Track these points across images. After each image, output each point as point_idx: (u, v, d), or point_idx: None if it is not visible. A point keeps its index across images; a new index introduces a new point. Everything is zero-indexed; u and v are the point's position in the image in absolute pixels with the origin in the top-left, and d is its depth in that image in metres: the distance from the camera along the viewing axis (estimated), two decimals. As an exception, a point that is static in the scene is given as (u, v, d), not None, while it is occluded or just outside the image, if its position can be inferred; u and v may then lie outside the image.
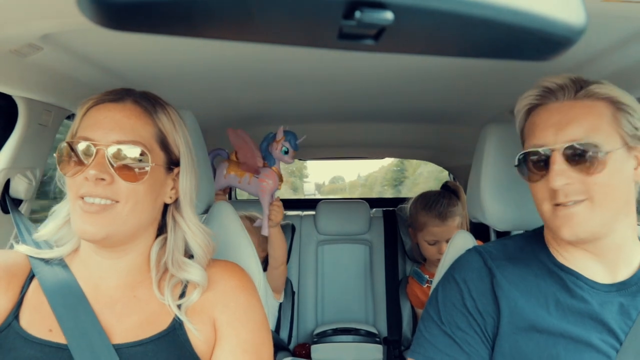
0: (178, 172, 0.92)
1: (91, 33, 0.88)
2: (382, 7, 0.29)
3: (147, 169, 0.84)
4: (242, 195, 4.21)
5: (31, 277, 0.88)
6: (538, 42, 0.33)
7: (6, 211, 1.15)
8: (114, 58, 1.08)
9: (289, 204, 3.22)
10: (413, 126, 2.02)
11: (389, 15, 0.29)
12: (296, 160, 2.43)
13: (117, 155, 0.82)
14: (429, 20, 0.30)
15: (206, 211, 1.19)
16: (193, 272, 0.90)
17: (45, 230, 0.92)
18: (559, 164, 0.82)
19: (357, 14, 0.29)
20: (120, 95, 0.87)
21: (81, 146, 0.82)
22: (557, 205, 0.84)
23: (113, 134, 0.82)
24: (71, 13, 0.74)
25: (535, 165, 0.87)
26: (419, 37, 0.34)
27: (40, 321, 0.83)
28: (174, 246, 0.92)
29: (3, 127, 1.13)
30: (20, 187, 1.17)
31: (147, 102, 0.89)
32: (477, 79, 1.30)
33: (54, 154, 0.86)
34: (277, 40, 0.35)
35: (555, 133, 0.84)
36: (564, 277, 0.91)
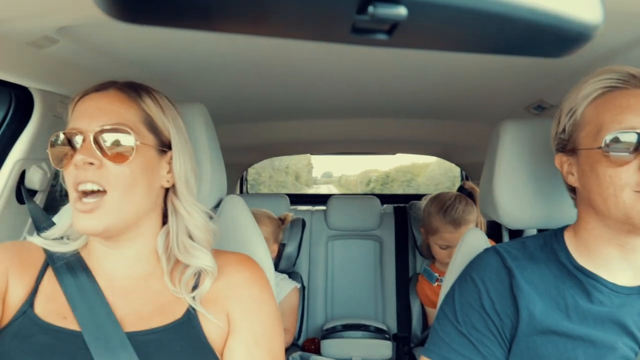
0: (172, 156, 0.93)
1: (106, 26, 0.89)
2: (396, 2, 0.29)
3: (134, 148, 0.85)
4: (253, 189, 4.23)
5: (45, 266, 0.89)
6: (553, 38, 0.33)
7: (22, 201, 1.17)
8: (130, 50, 1.09)
9: (299, 199, 3.22)
10: (425, 122, 2.01)
11: (402, 10, 0.29)
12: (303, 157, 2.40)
13: (103, 139, 0.84)
14: (443, 15, 0.30)
15: (217, 205, 1.19)
16: (201, 256, 0.91)
17: (54, 230, 0.94)
18: None
19: (371, 9, 0.29)
20: (104, 85, 0.90)
21: (69, 136, 0.85)
22: None
23: (97, 120, 0.84)
24: (87, 6, 0.75)
25: (630, 147, 0.81)
26: (433, 33, 0.34)
27: (54, 309, 0.84)
28: (177, 230, 0.93)
29: (19, 118, 1.15)
30: (35, 178, 1.19)
31: (131, 88, 0.91)
32: (491, 75, 1.29)
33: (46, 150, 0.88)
34: (291, 35, 0.35)
35: None
36: (583, 280, 0.89)
